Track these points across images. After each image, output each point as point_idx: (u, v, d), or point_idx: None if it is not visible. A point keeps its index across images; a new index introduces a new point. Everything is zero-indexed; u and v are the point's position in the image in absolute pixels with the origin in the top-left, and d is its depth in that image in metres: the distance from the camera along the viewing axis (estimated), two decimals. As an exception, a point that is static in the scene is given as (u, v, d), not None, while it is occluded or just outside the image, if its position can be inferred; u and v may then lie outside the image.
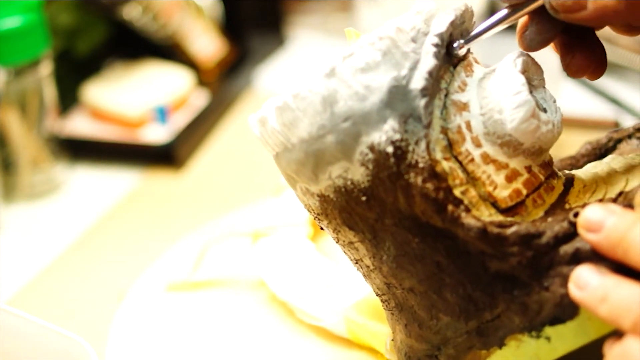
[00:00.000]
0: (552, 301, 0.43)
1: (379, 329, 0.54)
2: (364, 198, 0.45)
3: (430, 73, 0.44)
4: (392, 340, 0.52)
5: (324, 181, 0.46)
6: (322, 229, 0.50)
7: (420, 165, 0.44)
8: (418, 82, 0.44)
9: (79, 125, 0.88)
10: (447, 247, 0.45)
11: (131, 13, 0.88)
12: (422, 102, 0.44)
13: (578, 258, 0.42)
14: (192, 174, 0.84)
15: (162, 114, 0.86)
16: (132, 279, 0.67)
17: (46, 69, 0.79)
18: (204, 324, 0.60)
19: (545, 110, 0.47)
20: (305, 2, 1.15)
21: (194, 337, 0.59)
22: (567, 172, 0.50)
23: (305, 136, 0.46)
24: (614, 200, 0.45)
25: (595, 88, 0.92)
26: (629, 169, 0.47)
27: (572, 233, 0.43)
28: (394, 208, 0.45)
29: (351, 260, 0.50)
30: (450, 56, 0.47)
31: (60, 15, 0.87)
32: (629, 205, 0.43)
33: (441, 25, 0.46)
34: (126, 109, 0.86)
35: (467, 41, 0.48)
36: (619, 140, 0.54)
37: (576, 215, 0.43)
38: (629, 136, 0.53)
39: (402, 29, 0.45)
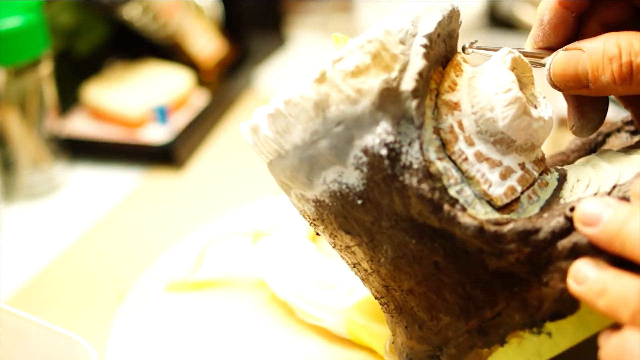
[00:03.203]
0: (551, 296, 0.43)
1: (380, 331, 0.54)
2: (359, 202, 0.45)
3: (420, 74, 0.44)
4: (393, 342, 0.52)
5: (319, 186, 0.46)
6: (318, 234, 0.50)
7: (415, 166, 0.43)
8: (408, 83, 0.44)
9: (79, 125, 0.88)
10: (445, 247, 0.45)
11: (131, 13, 0.88)
12: (413, 104, 0.44)
13: (576, 252, 0.42)
14: (192, 174, 0.84)
15: (162, 114, 0.86)
16: (132, 279, 0.66)
17: (46, 69, 0.79)
18: (204, 324, 0.60)
19: (535, 107, 0.47)
20: (305, 2, 1.15)
21: (194, 337, 0.59)
22: (559, 167, 0.50)
23: (298, 142, 0.45)
24: (609, 194, 0.45)
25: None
26: (621, 162, 0.48)
27: (568, 228, 0.43)
28: (390, 210, 0.45)
29: (349, 264, 0.50)
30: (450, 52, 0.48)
31: (60, 15, 0.87)
32: (624, 198, 0.43)
33: (429, 26, 0.46)
34: (126, 109, 0.86)
35: (478, 48, 0.49)
36: (608, 135, 0.54)
37: (572, 209, 0.43)
38: (618, 130, 0.54)
39: (390, 31, 0.45)
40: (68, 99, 0.89)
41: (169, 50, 0.95)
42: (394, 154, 0.44)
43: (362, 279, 0.50)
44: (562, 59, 0.47)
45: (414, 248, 0.45)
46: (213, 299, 0.62)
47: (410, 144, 0.44)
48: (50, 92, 0.80)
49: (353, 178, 0.45)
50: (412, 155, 0.44)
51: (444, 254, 0.45)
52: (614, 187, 0.45)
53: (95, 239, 0.75)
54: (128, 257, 0.72)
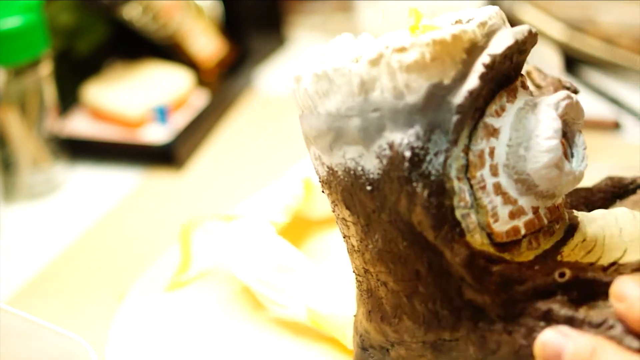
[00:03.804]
0: (510, 347, 0.44)
1: (340, 320, 0.54)
2: (369, 188, 0.45)
3: (471, 92, 0.43)
4: (355, 315, 0.52)
5: (337, 157, 0.46)
6: (323, 192, 0.50)
7: (432, 177, 0.43)
8: (457, 97, 0.43)
9: (79, 125, 0.88)
10: (431, 261, 0.45)
11: (131, 13, 0.88)
12: (454, 118, 0.43)
13: (548, 318, 0.43)
14: (192, 174, 0.84)
15: (162, 114, 0.86)
16: (132, 279, 0.66)
17: (46, 69, 0.79)
18: (203, 324, 0.60)
19: (572, 156, 0.46)
20: (305, 2, 1.15)
21: (193, 337, 0.59)
22: (575, 214, 0.48)
23: (332, 111, 0.46)
24: (605, 269, 0.44)
25: (596, 88, 0.92)
26: (632, 236, 0.46)
27: (551, 291, 0.43)
28: (394, 208, 0.45)
29: (341, 232, 0.50)
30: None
31: (60, 15, 0.87)
32: (613, 278, 0.42)
33: (498, 46, 0.44)
34: (126, 109, 0.86)
35: None
36: None
37: (562, 275, 0.43)
38: None
39: (459, 37, 0.44)
40: (68, 99, 0.89)
41: (169, 50, 0.95)
42: (417, 159, 0.43)
43: (348, 251, 0.50)
44: None
45: (403, 250, 0.45)
46: (212, 298, 0.62)
47: (436, 155, 0.44)
48: (50, 92, 0.80)
49: (371, 164, 0.45)
50: (433, 166, 0.43)
51: (428, 267, 0.45)
52: (613, 264, 0.44)
53: (95, 239, 0.75)
54: (128, 257, 0.72)
